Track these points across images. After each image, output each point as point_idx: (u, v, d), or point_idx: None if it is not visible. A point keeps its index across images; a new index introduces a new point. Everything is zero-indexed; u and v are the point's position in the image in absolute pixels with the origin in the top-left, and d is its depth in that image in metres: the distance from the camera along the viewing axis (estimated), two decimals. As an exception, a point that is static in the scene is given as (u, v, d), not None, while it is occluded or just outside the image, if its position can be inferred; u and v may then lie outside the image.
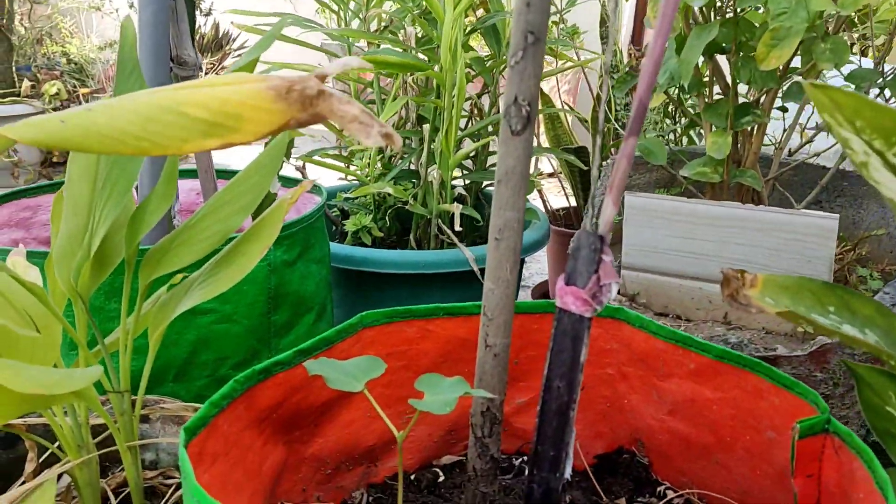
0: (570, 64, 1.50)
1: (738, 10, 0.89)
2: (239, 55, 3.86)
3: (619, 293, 0.99)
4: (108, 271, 0.56)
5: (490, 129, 1.42)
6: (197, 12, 3.86)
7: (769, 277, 0.59)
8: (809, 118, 1.32)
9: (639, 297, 0.98)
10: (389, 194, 1.28)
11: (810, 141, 1.28)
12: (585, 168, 1.48)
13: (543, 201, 1.75)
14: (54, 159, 2.51)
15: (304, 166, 1.32)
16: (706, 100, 1.02)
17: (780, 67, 0.95)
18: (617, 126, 1.57)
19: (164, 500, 0.69)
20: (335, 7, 1.43)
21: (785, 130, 1.13)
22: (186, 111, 0.39)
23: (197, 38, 3.83)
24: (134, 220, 0.56)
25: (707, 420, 0.65)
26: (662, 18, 0.36)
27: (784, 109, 1.16)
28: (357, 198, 1.35)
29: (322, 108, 0.40)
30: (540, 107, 1.67)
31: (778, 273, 0.89)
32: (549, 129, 1.69)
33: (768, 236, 0.87)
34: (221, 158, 3.24)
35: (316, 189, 1.12)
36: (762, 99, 1.01)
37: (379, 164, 1.36)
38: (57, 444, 0.63)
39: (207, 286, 0.58)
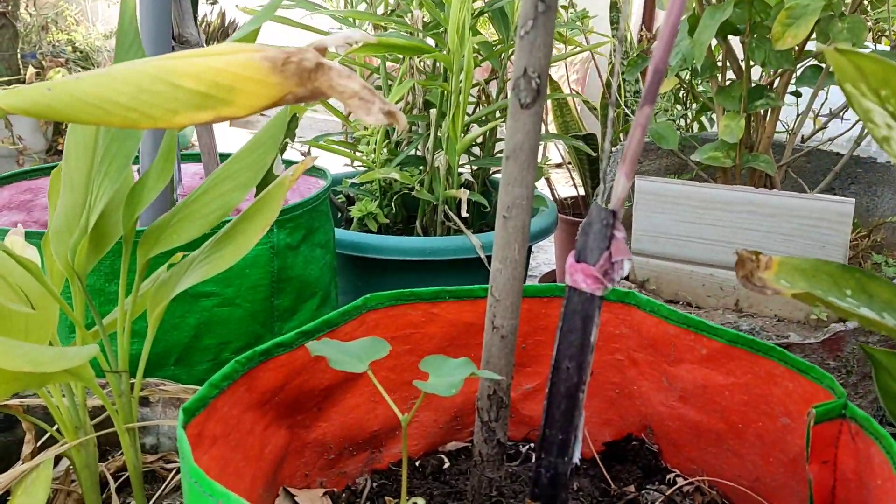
0: (579, 49, 1.48)
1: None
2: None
3: (628, 279, 0.97)
4: (105, 249, 0.55)
5: (498, 114, 1.40)
6: (203, 1, 3.85)
7: (785, 259, 0.58)
8: (823, 104, 1.29)
9: (648, 284, 0.96)
10: (395, 180, 1.26)
11: (824, 127, 1.26)
12: (594, 154, 1.46)
13: (551, 190, 1.73)
14: (59, 147, 2.50)
15: (309, 151, 1.31)
16: (719, 83, 1.00)
17: (796, 49, 0.92)
18: (627, 111, 1.54)
19: (164, 485, 0.68)
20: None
21: (798, 116, 1.11)
22: (178, 82, 0.38)
23: (203, 26, 3.82)
24: (132, 197, 0.54)
25: (718, 406, 0.63)
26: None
27: (798, 94, 1.14)
28: (363, 184, 1.33)
29: (321, 83, 0.38)
30: (548, 92, 1.65)
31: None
32: (558, 116, 1.67)
33: (782, 222, 0.86)
34: (225, 143, 3.23)
35: (320, 173, 1.10)
36: (776, 83, 0.99)
37: (385, 150, 1.35)
38: (56, 426, 0.62)
39: (207, 264, 0.57)
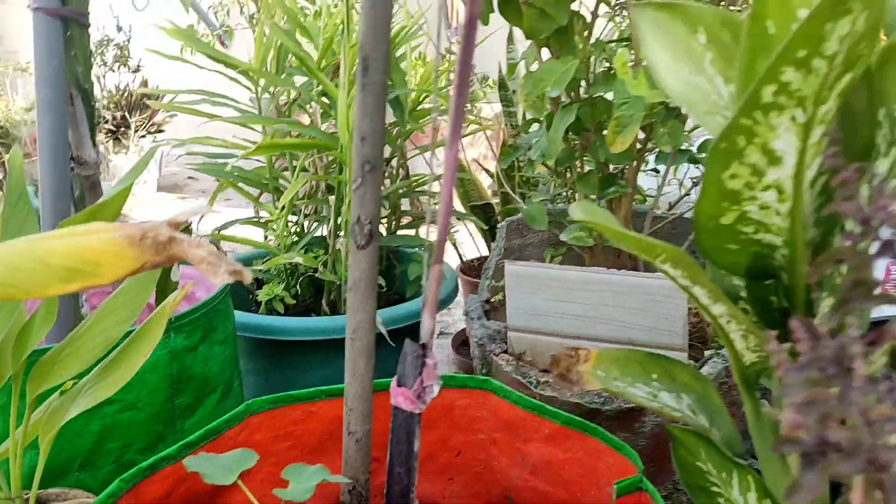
0: (473, 127, 1.60)
1: (593, 94, 0.99)
2: (170, 112, 3.89)
3: (507, 353, 1.07)
4: (-3, 387, 0.61)
5: (401, 191, 1.51)
6: (125, 69, 3.88)
7: (602, 352, 0.68)
8: (686, 173, 1.44)
9: (525, 356, 1.06)
10: (300, 263, 1.34)
11: (688, 194, 1.40)
12: (486, 227, 1.57)
13: (458, 254, 1.84)
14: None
15: (218, 243, 1.38)
16: (578, 171, 1.12)
17: (639, 143, 1.05)
18: (517, 191, 1.67)
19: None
20: (248, 84, 1.50)
21: (658, 188, 1.24)
22: (49, 260, 0.45)
23: (125, 95, 3.85)
24: (20, 339, 0.61)
25: (561, 479, 0.73)
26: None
27: (657, 171, 1.27)
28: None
29: (175, 251, 0.47)
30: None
31: (641, 329, 0.99)
32: (458, 185, 1.79)
33: (630, 297, 0.97)
34: (157, 208, 3.25)
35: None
36: (625, 170, 1.12)
37: (293, 233, 1.43)
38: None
39: (96, 391, 0.64)
